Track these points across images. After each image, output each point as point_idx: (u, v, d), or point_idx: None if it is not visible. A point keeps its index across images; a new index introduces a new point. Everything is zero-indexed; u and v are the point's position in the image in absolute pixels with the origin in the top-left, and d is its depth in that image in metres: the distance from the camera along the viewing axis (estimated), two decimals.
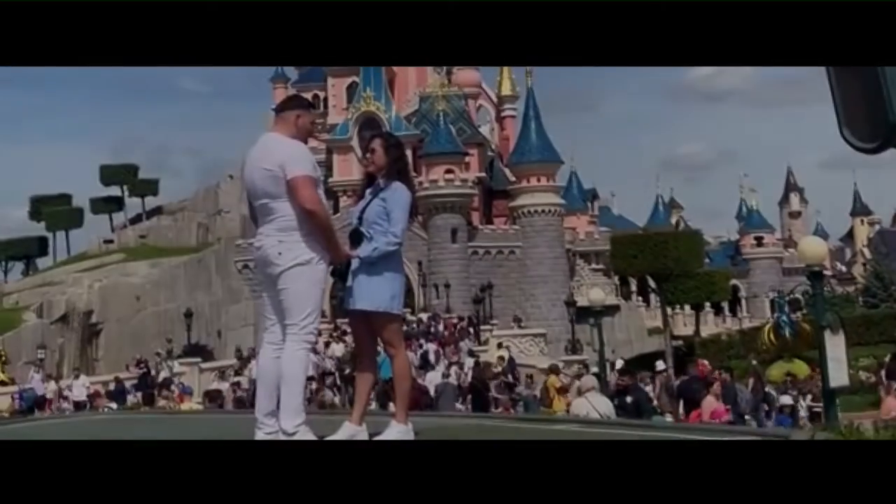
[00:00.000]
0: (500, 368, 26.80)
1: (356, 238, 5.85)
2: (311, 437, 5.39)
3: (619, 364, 21.87)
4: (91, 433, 8.59)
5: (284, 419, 5.40)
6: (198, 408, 17.33)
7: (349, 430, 5.73)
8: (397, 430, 5.72)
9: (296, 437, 5.34)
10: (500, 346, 34.37)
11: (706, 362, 24.60)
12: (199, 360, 40.16)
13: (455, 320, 46.27)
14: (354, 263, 5.79)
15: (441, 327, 41.64)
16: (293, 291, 5.47)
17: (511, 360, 30.01)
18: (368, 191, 5.97)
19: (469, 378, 24.29)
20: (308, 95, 64.49)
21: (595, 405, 12.31)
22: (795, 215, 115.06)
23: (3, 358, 44.23)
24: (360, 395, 6.03)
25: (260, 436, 5.57)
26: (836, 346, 12.37)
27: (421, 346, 33.01)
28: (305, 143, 5.87)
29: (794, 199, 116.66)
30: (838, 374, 12.33)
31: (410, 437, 5.71)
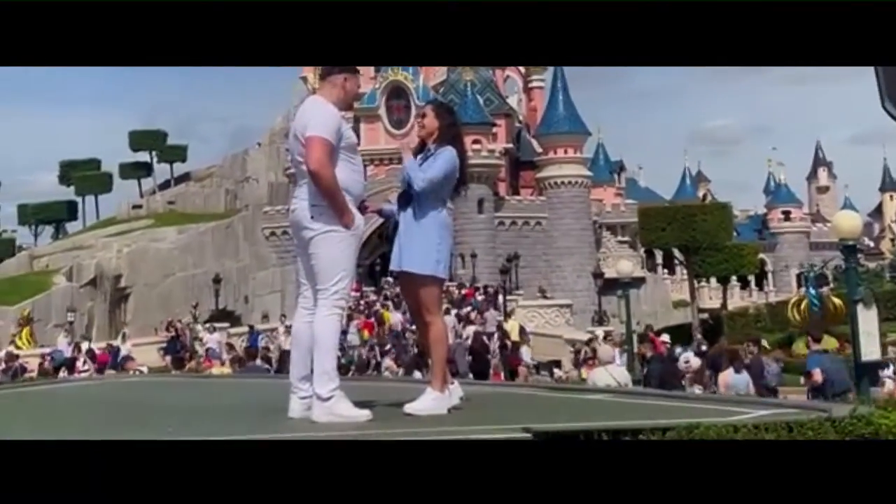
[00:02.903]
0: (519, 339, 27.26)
1: (405, 201, 5.84)
2: (345, 402, 5.37)
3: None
4: (125, 395, 8.70)
5: (318, 384, 5.39)
6: (228, 372, 17.45)
7: (431, 397, 5.68)
8: (432, 398, 5.65)
9: (330, 403, 5.33)
10: (507, 315, 34.97)
11: (664, 339, 24.79)
12: (227, 325, 40.53)
13: (472, 289, 46.34)
14: (401, 226, 5.79)
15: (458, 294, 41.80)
16: (324, 256, 5.46)
17: (522, 329, 30.56)
18: (419, 157, 5.93)
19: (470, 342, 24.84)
20: None
21: (615, 376, 12.60)
22: (823, 190, 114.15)
23: (30, 320, 44.65)
24: (436, 359, 5.92)
25: (294, 400, 5.59)
26: (868, 320, 12.38)
27: (458, 311, 33.48)
28: (350, 106, 5.84)
29: (823, 173, 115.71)
30: (870, 348, 12.33)
31: (445, 404, 5.65)
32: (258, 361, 19.52)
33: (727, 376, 14.14)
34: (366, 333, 31.53)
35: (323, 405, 5.35)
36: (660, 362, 17.02)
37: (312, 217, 5.47)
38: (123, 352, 27.60)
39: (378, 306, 38.24)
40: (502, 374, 21.78)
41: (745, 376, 14.07)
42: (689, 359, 16.38)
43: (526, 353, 27.05)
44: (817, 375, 13.34)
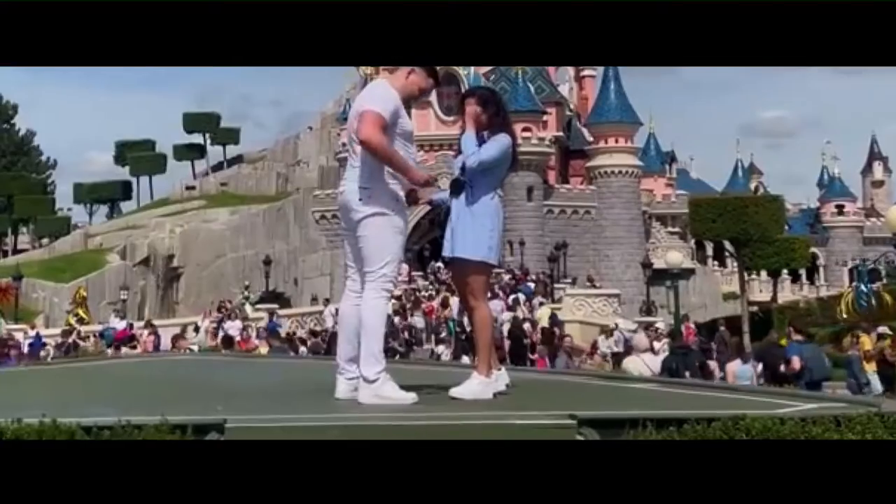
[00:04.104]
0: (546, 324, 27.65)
1: (457, 188, 5.83)
2: (391, 385, 5.42)
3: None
4: (175, 373, 8.87)
5: (365, 367, 5.44)
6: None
7: (477, 381, 5.68)
8: (477, 382, 5.66)
9: (377, 385, 5.38)
10: (541, 303, 36.14)
11: (691, 325, 25.11)
12: (276, 306, 40.86)
13: (524, 275, 46.54)
14: (454, 212, 5.82)
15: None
16: (372, 239, 5.49)
17: (553, 316, 31.16)
18: (474, 143, 5.87)
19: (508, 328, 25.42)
20: None
21: (648, 365, 12.77)
22: (878, 184, 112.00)
23: (84, 298, 45.42)
24: (481, 344, 5.95)
25: (341, 381, 5.66)
26: None
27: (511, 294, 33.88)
28: (412, 99, 5.76)
29: (878, 168, 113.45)
30: None
31: (491, 389, 5.68)
32: (276, 343, 21.37)
33: (734, 366, 14.74)
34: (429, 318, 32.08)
35: (369, 387, 5.40)
36: (682, 355, 16.90)
37: (361, 200, 5.49)
38: (201, 329, 28.61)
39: (436, 291, 38.59)
40: (546, 361, 21.88)
41: (749, 367, 14.69)
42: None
43: (603, 342, 27.19)
44: (795, 363, 14.25)
